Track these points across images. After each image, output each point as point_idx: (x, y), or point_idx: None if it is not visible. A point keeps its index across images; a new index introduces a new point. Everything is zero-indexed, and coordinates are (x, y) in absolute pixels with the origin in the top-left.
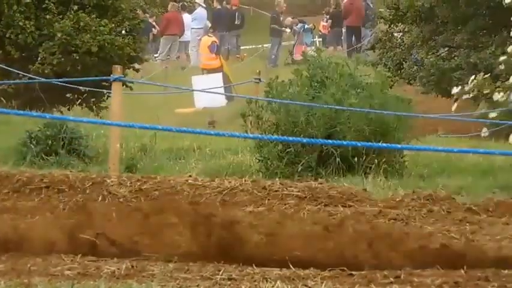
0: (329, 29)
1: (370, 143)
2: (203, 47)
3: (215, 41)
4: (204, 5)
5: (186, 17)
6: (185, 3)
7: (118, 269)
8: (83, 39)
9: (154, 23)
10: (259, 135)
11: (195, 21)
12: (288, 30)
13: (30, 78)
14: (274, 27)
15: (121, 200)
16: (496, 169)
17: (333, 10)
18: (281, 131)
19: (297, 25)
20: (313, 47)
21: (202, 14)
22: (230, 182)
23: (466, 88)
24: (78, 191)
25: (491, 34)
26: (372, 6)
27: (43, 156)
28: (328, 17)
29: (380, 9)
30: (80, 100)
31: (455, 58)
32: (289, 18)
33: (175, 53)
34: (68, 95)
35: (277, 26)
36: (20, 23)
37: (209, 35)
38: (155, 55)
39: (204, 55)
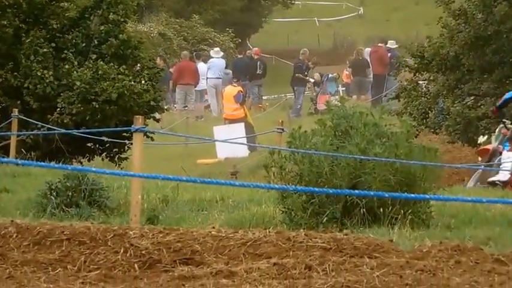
0: (351, 77)
1: (396, 194)
2: (228, 97)
3: (241, 91)
4: (220, 54)
5: (201, 66)
6: (199, 53)
7: None
8: (102, 86)
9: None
10: (284, 186)
11: (210, 70)
12: (312, 80)
13: (49, 128)
14: (298, 76)
15: (143, 252)
16: None
17: (354, 59)
18: (305, 182)
19: (325, 77)
20: (336, 97)
21: (218, 64)
22: (254, 233)
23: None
24: (99, 243)
25: None
26: (397, 53)
27: (63, 208)
28: (349, 65)
29: (405, 59)
30: (100, 150)
31: (482, 107)
32: (317, 74)
33: (193, 103)
34: (88, 146)
35: (301, 75)
36: (38, 73)
37: (233, 84)
38: (175, 105)
39: (227, 105)
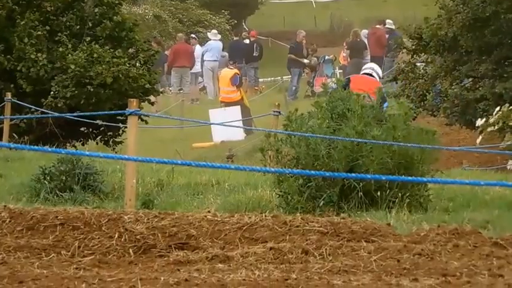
0: (348, 59)
1: (394, 177)
2: (224, 80)
3: (237, 73)
4: (218, 37)
5: (197, 49)
6: (196, 34)
7: None
8: (97, 70)
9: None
10: (280, 169)
11: (207, 53)
12: (306, 61)
13: (42, 112)
14: (290, 57)
15: (138, 237)
16: None
17: (351, 40)
18: (301, 165)
19: (321, 59)
20: (333, 79)
21: (216, 46)
22: (250, 217)
23: (491, 120)
24: (93, 228)
25: None
26: (397, 33)
27: (57, 192)
28: (346, 47)
29: (403, 40)
30: (95, 134)
31: (480, 88)
32: (315, 58)
33: (188, 86)
34: (82, 129)
35: (295, 56)
36: (32, 56)
37: (230, 67)
38: (170, 88)
39: (224, 88)
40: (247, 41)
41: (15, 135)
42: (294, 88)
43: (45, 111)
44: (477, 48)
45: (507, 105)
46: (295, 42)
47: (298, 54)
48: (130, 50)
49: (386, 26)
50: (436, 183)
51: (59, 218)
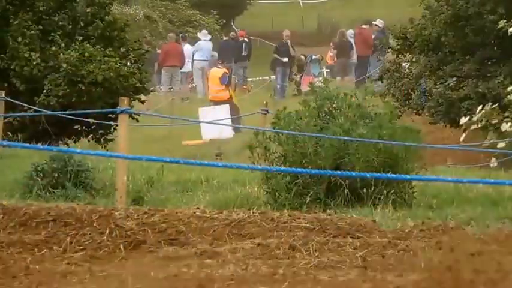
0: (335, 59)
1: (379, 174)
2: (213, 79)
3: (226, 72)
4: (208, 37)
5: (187, 48)
6: (185, 34)
7: None
8: (88, 69)
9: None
10: (267, 167)
11: (198, 52)
12: (285, 59)
13: (35, 110)
14: (274, 57)
15: (128, 233)
16: (506, 199)
17: (338, 41)
18: (289, 163)
19: (308, 58)
20: (320, 78)
21: (207, 46)
22: (238, 213)
23: (475, 118)
24: (85, 224)
25: (499, 64)
26: (386, 34)
27: (49, 189)
28: (333, 47)
29: (389, 40)
30: (86, 132)
31: (464, 88)
32: (302, 57)
33: (178, 85)
34: (74, 127)
35: (277, 55)
36: (25, 55)
37: (219, 66)
38: (160, 87)
39: (213, 87)
40: (237, 41)
41: (9, 133)
42: (278, 87)
43: (38, 109)
44: (461, 49)
45: (490, 104)
46: (281, 42)
47: (281, 53)
48: (121, 49)
49: (378, 25)
50: (421, 181)
51: (51, 214)
